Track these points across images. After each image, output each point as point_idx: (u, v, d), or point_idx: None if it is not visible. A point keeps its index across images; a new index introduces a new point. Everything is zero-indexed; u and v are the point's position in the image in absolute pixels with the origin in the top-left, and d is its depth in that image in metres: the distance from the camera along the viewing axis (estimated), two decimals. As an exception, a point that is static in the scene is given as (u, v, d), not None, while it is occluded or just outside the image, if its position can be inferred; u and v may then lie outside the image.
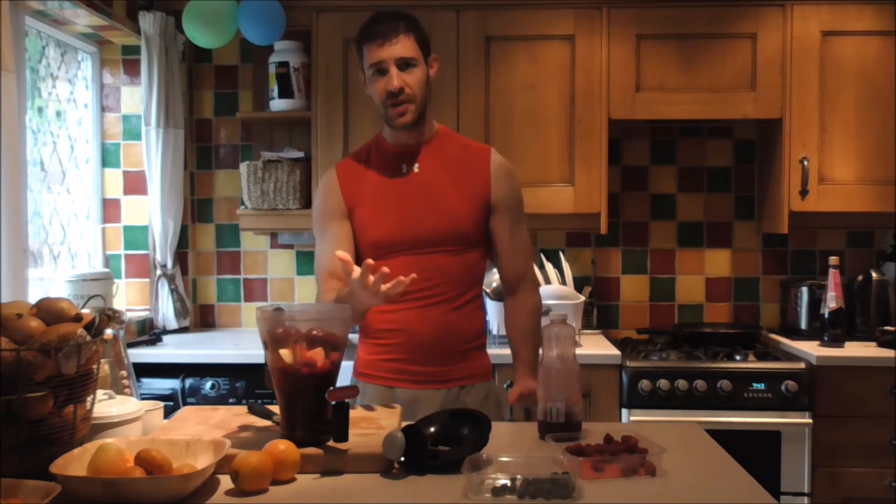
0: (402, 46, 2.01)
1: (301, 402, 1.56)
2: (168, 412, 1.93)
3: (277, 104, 3.46)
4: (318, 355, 1.55)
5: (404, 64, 2.01)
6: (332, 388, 1.54)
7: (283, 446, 1.45)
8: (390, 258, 2.02)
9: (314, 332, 1.56)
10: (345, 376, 1.77)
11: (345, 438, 1.51)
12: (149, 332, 3.52)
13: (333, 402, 1.51)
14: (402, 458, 1.51)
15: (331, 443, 1.53)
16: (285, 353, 1.54)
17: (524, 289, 2.16)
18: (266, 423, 1.71)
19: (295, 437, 1.52)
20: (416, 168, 2.09)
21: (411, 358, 2.05)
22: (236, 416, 1.78)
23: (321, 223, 2.13)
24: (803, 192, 3.28)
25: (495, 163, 2.11)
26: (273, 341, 1.56)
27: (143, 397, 2.44)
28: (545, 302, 3.14)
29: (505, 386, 3.03)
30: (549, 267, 3.32)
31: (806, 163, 3.27)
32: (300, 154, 3.51)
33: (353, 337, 2.17)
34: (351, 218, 2.10)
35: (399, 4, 3.31)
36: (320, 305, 1.77)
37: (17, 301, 1.57)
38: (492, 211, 2.10)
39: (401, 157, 2.11)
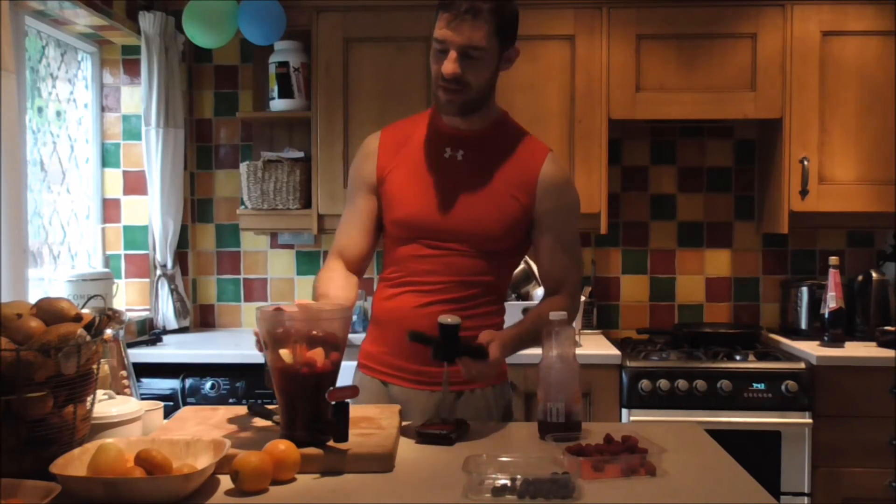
0: (472, 33, 1.80)
1: (301, 402, 1.56)
2: (168, 412, 1.93)
3: (277, 104, 3.46)
4: (317, 355, 1.54)
5: (468, 52, 1.82)
6: (332, 387, 1.54)
7: (283, 446, 1.45)
8: (407, 242, 1.94)
9: (314, 333, 1.55)
10: (345, 376, 1.77)
11: (345, 438, 1.51)
12: (149, 332, 3.53)
13: (333, 403, 1.51)
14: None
15: (331, 443, 1.53)
16: (285, 354, 1.54)
17: (561, 292, 1.98)
18: (266, 423, 1.71)
19: (295, 437, 1.51)
20: (459, 155, 1.94)
21: (408, 354, 1.91)
22: (236, 416, 1.78)
23: (352, 189, 2.02)
24: (803, 192, 3.28)
25: (546, 173, 1.93)
26: (273, 341, 1.55)
27: (143, 397, 2.44)
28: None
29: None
30: (549, 267, 3.32)
31: (806, 163, 3.27)
32: (300, 154, 3.51)
33: (355, 337, 2.17)
34: (381, 189, 1.97)
35: (398, 4, 3.33)
36: (321, 305, 1.74)
37: (17, 301, 1.57)
38: (535, 223, 1.93)
39: (448, 139, 1.95)
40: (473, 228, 1.90)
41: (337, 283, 1.93)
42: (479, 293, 1.94)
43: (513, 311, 3.12)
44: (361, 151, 2.04)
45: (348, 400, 1.53)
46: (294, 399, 1.56)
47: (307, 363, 1.54)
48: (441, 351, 1.72)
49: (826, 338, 3.16)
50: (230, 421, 1.74)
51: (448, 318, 1.71)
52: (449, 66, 1.83)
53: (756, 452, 2.96)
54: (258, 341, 1.61)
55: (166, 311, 3.54)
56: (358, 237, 2.00)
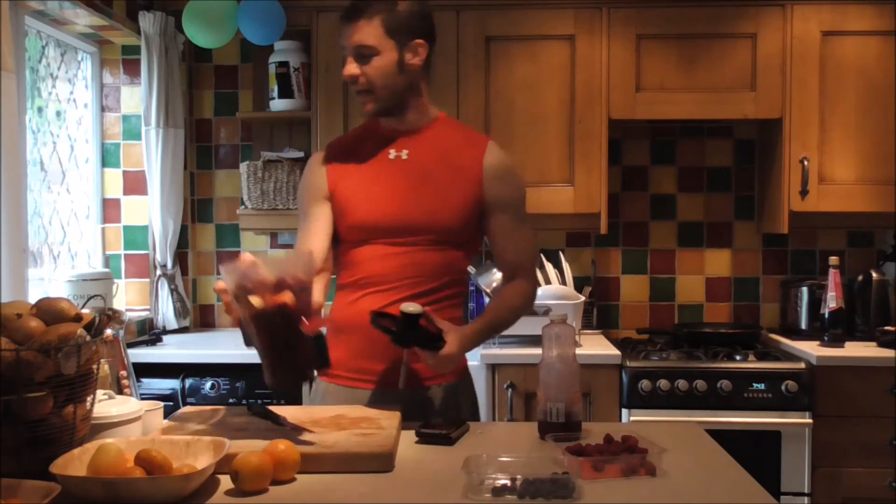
0: (361, 33, 1.89)
1: (279, 343, 1.59)
2: (168, 412, 1.93)
3: (277, 104, 3.46)
4: (286, 296, 1.57)
5: (361, 52, 1.90)
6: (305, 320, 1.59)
7: (282, 446, 1.45)
8: (365, 245, 1.98)
9: (280, 279, 1.59)
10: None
11: (327, 365, 1.58)
12: (149, 332, 3.53)
13: (311, 333, 1.57)
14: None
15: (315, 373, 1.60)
16: (255, 299, 1.56)
17: (519, 276, 2.05)
18: (266, 423, 1.71)
19: (279, 380, 1.57)
20: (404, 155, 1.99)
21: (372, 354, 1.93)
22: (236, 416, 1.78)
23: (304, 202, 2.06)
24: (803, 192, 3.28)
25: (489, 160, 1.99)
26: (243, 292, 1.57)
27: (143, 397, 2.44)
28: (545, 302, 3.16)
29: (505, 386, 3.03)
30: (549, 267, 3.33)
31: (806, 163, 3.27)
32: (300, 154, 3.51)
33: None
34: (332, 198, 2.01)
35: (399, 4, 3.33)
36: (283, 256, 1.76)
37: (17, 301, 1.57)
38: (486, 210, 1.99)
39: (391, 141, 2.01)
40: (428, 222, 1.95)
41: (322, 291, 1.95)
42: (440, 286, 1.98)
43: (513, 311, 3.14)
44: (309, 167, 2.09)
45: (323, 329, 1.60)
46: (270, 340, 1.59)
47: (278, 303, 1.56)
48: (400, 338, 1.79)
49: (826, 338, 3.16)
50: (230, 421, 1.74)
51: (410, 307, 1.77)
52: (346, 68, 1.93)
53: (756, 452, 2.96)
54: (225, 302, 1.62)
55: (166, 311, 3.54)
56: (320, 242, 2.00)
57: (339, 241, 2.05)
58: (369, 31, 1.89)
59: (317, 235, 2.00)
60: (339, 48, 1.95)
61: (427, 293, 1.94)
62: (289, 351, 1.59)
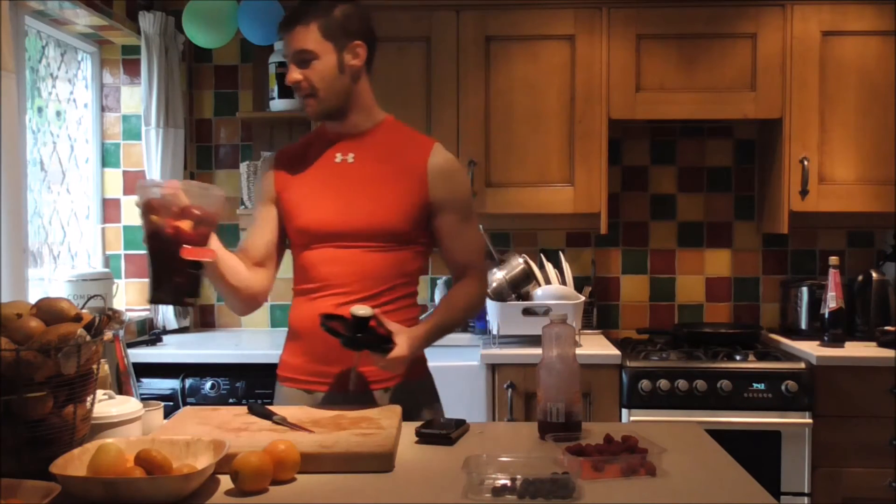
0: (299, 39, 1.94)
1: (165, 262, 1.68)
2: (168, 412, 1.93)
3: (277, 104, 3.46)
4: (185, 224, 1.67)
5: (302, 58, 1.95)
6: (188, 247, 1.67)
7: (282, 446, 1.45)
8: (315, 248, 2.01)
9: (186, 207, 1.69)
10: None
11: (196, 294, 1.68)
12: (149, 332, 3.52)
13: (187, 259, 1.65)
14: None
15: (187, 300, 1.72)
16: (154, 217, 1.67)
17: (468, 275, 2.07)
18: (266, 423, 1.71)
19: (156, 297, 1.68)
20: (350, 158, 2.02)
21: (328, 357, 1.95)
22: (236, 416, 1.78)
23: (255, 206, 2.14)
24: (803, 192, 3.28)
25: (434, 161, 2.01)
26: (147, 208, 1.68)
27: (143, 397, 2.44)
28: (545, 302, 3.16)
29: (505, 386, 3.03)
30: (549, 267, 3.33)
31: (806, 163, 3.27)
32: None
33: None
34: (279, 202, 2.06)
35: (398, 4, 3.33)
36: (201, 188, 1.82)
37: (17, 301, 1.57)
38: (433, 211, 2.01)
39: (337, 144, 2.04)
40: (374, 225, 1.97)
41: (238, 260, 2.02)
42: (391, 288, 2.00)
43: (513, 311, 3.15)
44: (260, 170, 2.15)
45: (206, 260, 1.70)
46: (158, 259, 1.69)
47: (173, 226, 1.66)
48: (349, 341, 1.82)
49: (826, 338, 3.16)
50: (230, 421, 1.74)
51: (360, 310, 1.82)
52: (288, 75, 1.98)
53: (756, 452, 2.96)
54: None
55: (166, 311, 3.54)
56: (259, 239, 2.08)
57: (292, 246, 2.09)
58: (307, 36, 1.94)
59: (256, 234, 2.08)
60: (283, 56, 2.02)
61: (378, 295, 1.97)
62: (171, 274, 1.68)
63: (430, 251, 2.09)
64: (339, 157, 2.03)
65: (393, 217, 1.97)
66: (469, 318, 2.09)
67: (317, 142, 2.09)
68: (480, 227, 3.19)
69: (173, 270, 1.69)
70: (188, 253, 1.67)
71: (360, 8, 2.01)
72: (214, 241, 1.84)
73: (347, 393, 1.93)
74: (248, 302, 2.03)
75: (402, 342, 1.85)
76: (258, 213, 2.10)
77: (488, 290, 3.16)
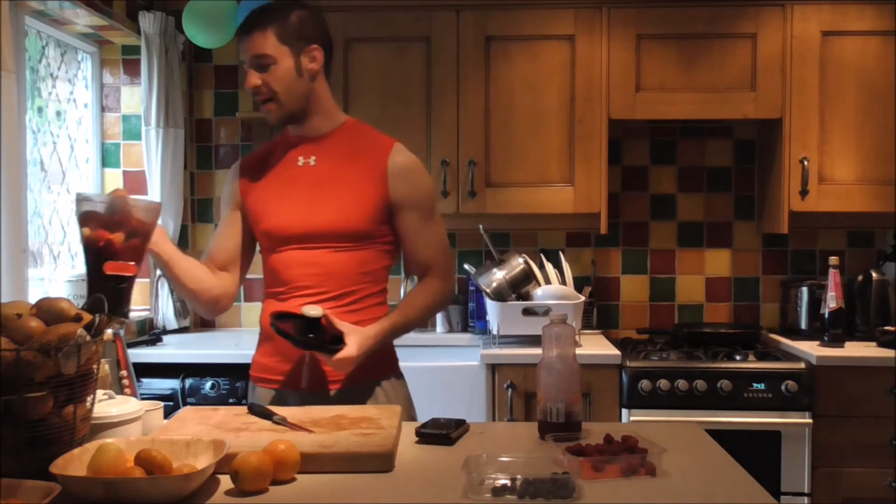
0: (255, 43, 1.97)
1: (96, 275, 1.69)
2: (168, 412, 1.93)
3: (277, 104, 3.46)
4: (115, 236, 1.68)
5: (260, 63, 1.98)
6: (111, 261, 1.67)
7: (282, 446, 1.45)
8: (281, 251, 2.04)
9: (120, 218, 1.71)
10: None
11: (116, 313, 1.66)
12: (149, 332, 3.52)
13: (109, 274, 1.66)
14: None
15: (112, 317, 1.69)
16: (86, 230, 1.69)
17: (430, 274, 2.10)
18: (266, 423, 1.71)
19: (90, 309, 1.66)
20: (312, 161, 2.05)
21: (298, 357, 1.99)
22: (236, 416, 1.78)
23: (222, 211, 2.18)
24: (803, 192, 3.28)
25: (394, 161, 2.03)
26: (81, 220, 1.70)
27: (143, 397, 2.44)
28: (545, 302, 3.16)
29: (505, 386, 3.03)
30: (549, 267, 3.33)
31: (806, 163, 3.27)
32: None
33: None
34: (245, 207, 2.10)
35: (398, 4, 3.34)
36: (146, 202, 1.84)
37: (17, 301, 1.57)
38: (394, 210, 2.03)
39: (299, 148, 2.07)
40: (337, 226, 2.00)
41: (195, 260, 2.08)
42: (360, 286, 2.03)
43: (513, 311, 3.15)
44: (227, 177, 2.19)
45: (127, 275, 1.70)
46: (91, 272, 1.71)
47: (103, 238, 1.68)
48: (298, 341, 1.87)
49: (826, 338, 3.16)
50: (230, 421, 1.74)
51: (312, 311, 1.87)
52: (248, 80, 2.00)
53: (756, 452, 2.96)
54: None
55: (166, 311, 3.54)
56: (224, 244, 2.13)
57: (261, 249, 2.13)
58: (264, 42, 1.97)
59: (221, 239, 2.14)
60: (241, 63, 2.04)
61: (345, 294, 2.01)
62: (101, 284, 1.69)
63: (397, 249, 2.11)
64: (301, 161, 2.06)
65: (355, 217, 2.00)
66: (431, 317, 2.11)
67: (279, 147, 2.12)
68: (481, 227, 3.22)
69: (98, 284, 1.69)
70: (109, 267, 1.69)
71: (314, 12, 2.05)
72: (169, 247, 1.93)
73: (321, 393, 1.98)
74: (209, 305, 2.09)
75: (352, 342, 1.89)
76: (223, 218, 2.16)
77: (488, 290, 3.16)
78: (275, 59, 1.97)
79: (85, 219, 1.69)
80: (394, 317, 2.02)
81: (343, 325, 1.92)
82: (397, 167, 2.03)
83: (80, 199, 1.71)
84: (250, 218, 2.10)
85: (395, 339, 2.07)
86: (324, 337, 1.89)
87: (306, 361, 1.97)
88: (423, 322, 2.11)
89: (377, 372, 2.04)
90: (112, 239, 1.68)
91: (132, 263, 1.73)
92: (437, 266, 2.10)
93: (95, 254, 1.69)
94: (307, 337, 1.88)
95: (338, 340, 1.89)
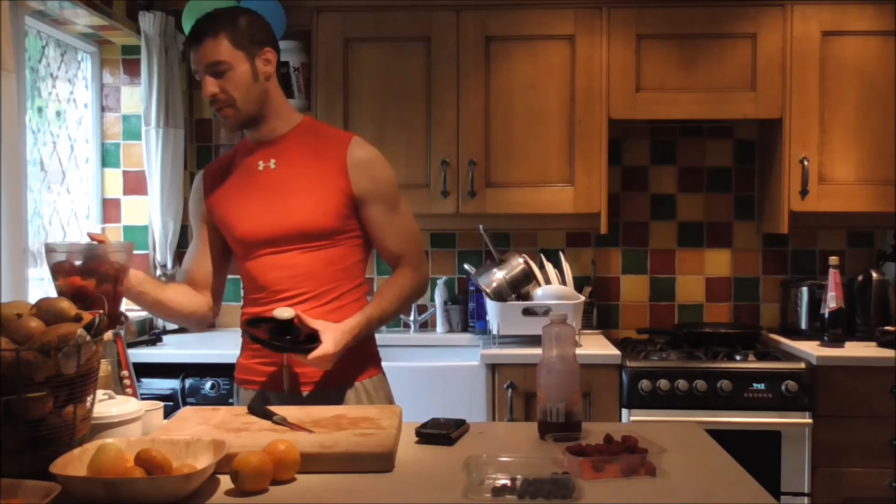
0: (209, 51, 1.97)
1: None
2: (168, 412, 1.93)
3: (277, 104, 3.46)
4: (89, 284, 1.70)
5: (215, 70, 1.97)
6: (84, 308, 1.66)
7: (282, 446, 1.45)
8: (254, 256, 2.05)
9: (86, 265, 1.71)
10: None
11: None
12: (149, 332, 3.52)
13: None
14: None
15: None
16: (59, 282, 1.71)
17: (402, 265, 2.10)
18: (266, 423, 1.71)
19: None
20: (272, 164, 2.05)
21: (281, 359, 2.02)
22: (236, 416, 1.78)
23: (192, 222, 2.21)
24: (803, 192, 3.28)
25: (353, 155, 2.03)
26: (52, 271, 1.72)
27: (143, 397, 2.44)
28: (545, 302, 3.16)
29: (505, 386, 3.03)
30: (549, 267, 3.33)
31: (806, 163, 3.27)
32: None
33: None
34: (211, 219, 2.12)
35: (398, 4, 3.34)
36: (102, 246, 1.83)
37: (17, 301, 1.57)
38: (359, 204, 2.03)
39: (258, 152, 2.07)
40: (304, 226, 2.00)
41: (175, 286, 2.13)
42: (337, 284, 2.04)
43: (513, 311, 3.15)
44: (192, 190, 2.21)
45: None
46: None
47: (75, 285, 1.68)
48: (271, 346, 1.90)
49: (826, 338, 3.16)
50: (230, 421, 1.74)
51: (284, 313, 1.89)
52: (205, 89, 1.99)
53: (756, 452, 2.96)
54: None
55: (166, 311, 3.54)
56: (199, 262, 2.17)
57: (234, 257, 2.15)
58: (217, 48, 1.97)
59: (195, 257, 2.17)
60: (194, 72, 2.03)
61: (324, 294, 2.02)
62: None
63: (369, 243, 2.11)
64: (261, 165, 2.06)
65: (320, 216, 2.00)
66: (406, 308, 2.11)
67: (238, 153, 2.13)
68: (481, 227, 3.22)
69: None
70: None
71: (259, 16, 2.07)
72: (150, 286, 1.96)
73: (307, 394, 2.00)
74: (196, 322, 2.16)
75: (328, 340, 1.90)
76: (195, 235, 2.19)
77: (488, 290, 3.16)
78: (230, 65, 1.97)
79: (56, 270, 1.71)
80: (368, 310, 2.02)
81: (317, 324, 1.92)
82: (357, 161, 2.03)
83: (48, 249, 1.74)
84: (220, 228, 2.11)
85: (373, 332, 2.07)
86: (298, 337, 1.90)
87: (285, 363, 1.98)
88: (398, 313, 2.13)
89: (355, 372, 2.05)
90: (85, 286, 1.70)
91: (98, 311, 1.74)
92: (407, 255, 2.10)
93: (71, 301, 1.69)
94: (282, 339, 1.89)
95: (313, 339, 1.90)
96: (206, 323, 2.17)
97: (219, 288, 2.18)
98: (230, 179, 2.10)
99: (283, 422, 1.70)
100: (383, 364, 2.16)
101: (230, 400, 3.02)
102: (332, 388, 2.02)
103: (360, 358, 2.05)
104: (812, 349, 3.08)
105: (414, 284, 2.11)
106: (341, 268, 2.04)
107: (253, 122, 2.04)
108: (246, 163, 2.09)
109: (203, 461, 1.43)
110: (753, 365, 3.04)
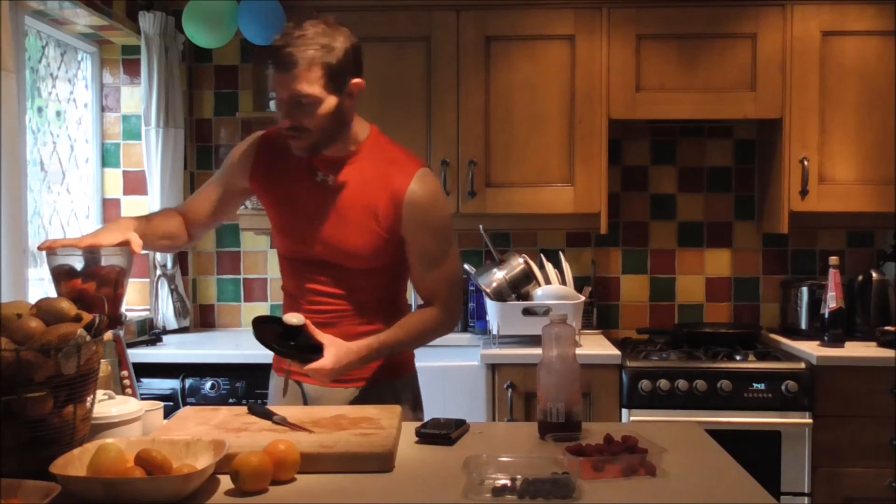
0: (295, 84, 1.84)
1: None
2: (168, 412, 1.93)
3: (277, 104, 3.46)
4: (90, 287, 1.71)
5: (298, 100, 1.85)
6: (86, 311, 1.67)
7: (282, 446, 1.45)
8: (295, 258, 2.05)
9: (86, 269, 1.72)
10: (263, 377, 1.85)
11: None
12: (149, 332, 3.52)
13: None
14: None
15: None
16: (60, 286, 1.71)
17: (433, 304, 2.04)
18: (266, 423, 1.71)
19: None
20: (329, 180, 1.98)
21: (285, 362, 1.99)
22: (236, 416, 1.78)
23: (221, 169, 2.12)
24: (803, 192, 3.28)
25: (412, 194, 1.94)
26: (54, 275, 1.72)
27: (143, 397, 2.44)
28: (545, 302, 3.16)
29: (505, 386, 3.03)
30: (549, 267, 3.33)
31: (806, 163, 3.27)
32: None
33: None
34: (245, 190, 2.08)
35: (397, 5, 3.33)
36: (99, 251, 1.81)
37: (17, 301, 1.57)
38: (405, 239, 1.97)
39: (320, 163, 1.99)
40: (344, 250, 1.97)
41: (163, 215, 2.09)
42: (370, 306, 2.01)
43: (513, 311, 3.15)
44: (240, 147, 2.11)
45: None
46: None
47: (76, 289, 1.69)
48: (278, 351, 1.90)
49: (826, 338, 3.16)
50: (230, 421, 1.74)
51: (293, 319, 1.88)
52: (283, 121, 1.90)
53: (756, 452, 2.96)
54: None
55: (166, 312, 3.54)
56: (201, 207, 2.10)
57: (276, 250, 2.14)
58: (309, 80, 1.84)
59: (199, 201, 2.11)
60: (270, 91, 1.97)
61: (355, 315, 2.00)
62: None
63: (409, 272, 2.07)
64: (320, 176, 2.00)
65: (359, 246, 1.96)
66: (423, 343, 2.06)
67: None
68: (481, 227, 3.22)
69: None
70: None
71: (355, 40, 1.94)
72: (137, 232, 1.83)
73: (341, 388, 1.99)
74: (170, 247, 2.20)
75: (329, 355, 1.86)
76: (212, 182, 2.11)
77: (489, 290, 3.16)
78: (320, 100, 1.86)
79: (57, 273, 1.72)
80: (383, 336, 1.96)
81: (324, 338, 1.89)
82: (413, 200, 1.94)
83: (49, 252, 1.74)
84: (269, 215, 2.08)
85: (382, 357, 2.00)
86: (304, 345, 1.88)
87: (287, 367, 1.97)
88: (413, 346, 2.06)
89: (392, 373, 2.05)
90: (85, 289, 1.70)
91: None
92: (441, 299, 2.04)
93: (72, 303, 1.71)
94: (284, 344, 1.89)
95: (318, 350, 1.88)
96: (185, 247, 2.22)
97: (202, 231, 2.16)
98: (284, 175, 2.02)
99: (283, 422, 1.70)
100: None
101: (242, 400, 3.03)
102: (370, 387, 2.01)
103: (399, 359, 2.06)
104: (812, 349, 3.08)
105: (437, 325, 2.05)
106: (376, 293, 2.02)
107: (322, 149, 1.95)
108: (304, 166, 2.00)
109: (203, 461, 1.43)
110: (753, 365, 3.04)
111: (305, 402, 2.04)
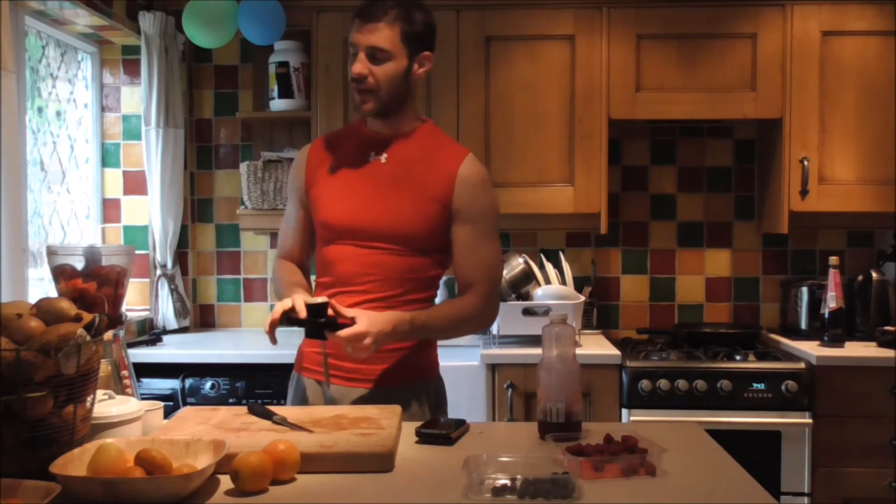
0: (379, 36, 1.93)
1: None
2: (168, 412, 1.93)
3: (277, 104, 3.46)
4: (90, 286, 1.72)
5: (375, 54, 1.94)
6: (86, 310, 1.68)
7: (282, 446, 1.45)
8: (335, 244, 2.03)
9: (86, 268, 1.73)
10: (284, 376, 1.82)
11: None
12: (149, 332, 3.52)
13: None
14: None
15: None
16: (61, 284, 1.73)
17: (470, 293, 2.03)
18: (266, 422, 1.71)
19: None
20: (382, 158, 2.03)
21: (341, 352, 1.93)
22: (236, 416, 1.78)
23: (289, 196, 2.18)
24: (803, 192, 3.28)
25: (464, 170, 2.00)
26: (54, 274, 1.74)
27: (143, 397, 2.44)
28: (545, 302, 3.16)
29: (505, 386, 3.03)
30: (549, 267, 3.33)
31: (806, 163, 3.27)
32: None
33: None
34: (308, 196, 2.09)
35: (399, 4, 3.33)
36: (100, 246, 1.87)
37: (17, 301, 1.57)
38: (453, 218, 1.99)
39: (372, 143, 2.05)
40: (396, 228, 1.98)
41: (290, 268, 2.13)
42: (408, 290, 2.01)
43: (513, 311, 3.15)
44: (295, 161, 2.16)
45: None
46: None
47: (77, 288, 1.70)
48: (311, 329, 1.86)
49: (826, 338, 3.16)
50: (230, 421, 1.74)
51: (317, 299, 1.87)
52: (356, 66, 1.95)
53: (756, 452, 2.96)
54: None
55: (166, 311, 3.54)
56: (293, 243, 2.16)
57: (316, 238, 2.11)
58: (388, 36, 1.94)
59: (293, 238, 2.15)
60: (349, 44, 1.98)
61: (389, 298, 1.98)
62: None
63: (450, 260, 2.07)
64: (372, 156, 2.04)
65: (416, 222, 1.98)
66: (456, 332, 2.04)
67: (352, 137, 2.10)
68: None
69: None
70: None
71: (432, 17, 2.03)
72: (299, 296, 1.86)
73: (362, 389, 1.98)
74: None
75: (362, 321, 1.84)
76: (289, 212, 2.17)
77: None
78: (392, 56, 1.95)
79: (57, 272, 1.73)
80: (416, 313, 1.96)
81: (350, 311, 1.87)
82: (466, 176, 2.00)
83: (50, 252, 1.75)
84: (311, 207, 2.08)
85: (414, 338, 2.00)
86: (333, 321, 1.85)
87: (324, 350, 1.96)
88: (445, 331, 2.04)
89: (416, 375, 2.04)
90: (86, 288, 1.71)
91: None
92: (479, 285, 2.03)
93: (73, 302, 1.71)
94: (315, 321, 1.84)
95: (344, 326, 1.85)
96: None
97: (311, 256, 2.18)
98: (337, 160, 2.07)
99: (282, 422, 1.70)
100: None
101: (242, 400, 3.03)
102: (397, 386, 2.00)
103: (422, 361, 2.05)
104: (812, 349, 3.08)
105: (473, 313, 2.03)
106: (416, 277, 2.01)
107: (384, 115, 2.01)
108: (356, 149, 2.06)
109: (203, 461, 1.43)
110: (753, 365, 3.04)
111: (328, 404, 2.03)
